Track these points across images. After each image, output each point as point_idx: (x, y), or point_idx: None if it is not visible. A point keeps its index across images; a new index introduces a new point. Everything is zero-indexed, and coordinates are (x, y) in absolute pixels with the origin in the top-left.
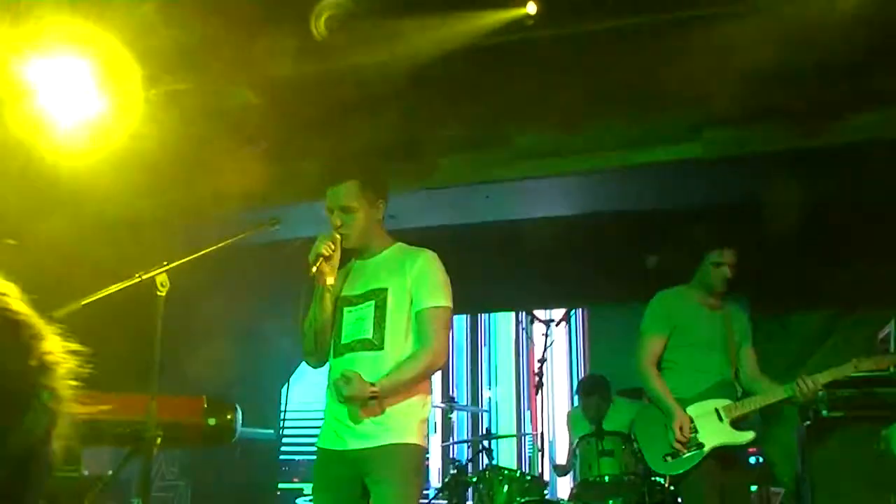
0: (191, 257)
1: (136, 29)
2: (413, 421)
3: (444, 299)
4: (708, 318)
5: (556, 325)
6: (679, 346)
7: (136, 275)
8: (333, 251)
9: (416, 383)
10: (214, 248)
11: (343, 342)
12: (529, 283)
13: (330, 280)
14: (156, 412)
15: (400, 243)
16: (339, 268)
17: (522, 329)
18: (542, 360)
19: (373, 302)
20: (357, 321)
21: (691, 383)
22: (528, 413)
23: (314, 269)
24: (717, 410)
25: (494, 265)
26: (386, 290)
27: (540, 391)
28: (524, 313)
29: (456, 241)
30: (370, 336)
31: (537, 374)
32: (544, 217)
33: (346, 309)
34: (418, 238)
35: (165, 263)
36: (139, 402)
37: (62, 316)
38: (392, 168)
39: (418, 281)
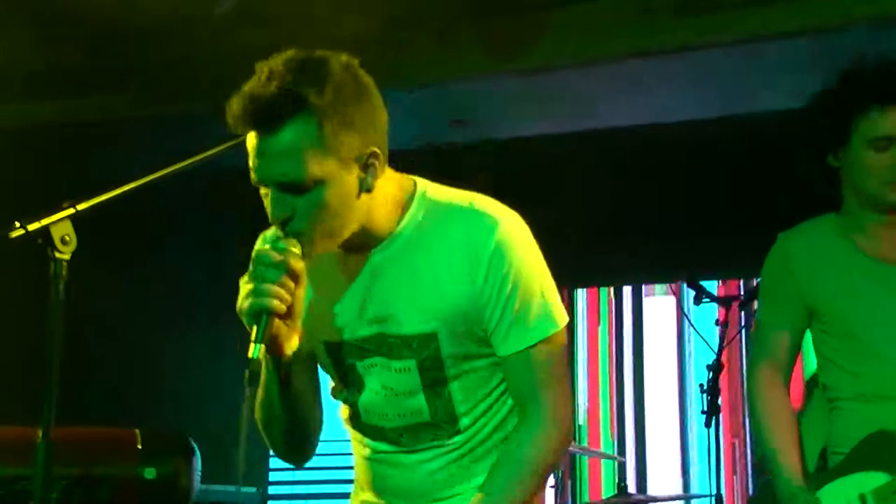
0: (117, 192)
1: None
2: None
3: (552, 318)
4: (883, 279)
5: (742, 305)
6: (832, 340)
7: (17, 225)
8: (291, 291)
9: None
10: (163, 173)
11: (366, 422)
12: (693, 235)
13: (294, 343)
14: (49, 457)
15: (426, 197)
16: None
17: (684, 315)
18: (717, 368)
19: (413, 360)
20: (384, 391)
21: (859, 423)
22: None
23: (256, 349)
24: None
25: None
26: (434, 334)
27: (715, 418)
28: (685, 286)
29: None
30: (427, 418)
31: (708, 388)
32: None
33: (357, 363)
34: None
35: (68, 205)
36: (21, 439)
37: None
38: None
39: (497, 300)
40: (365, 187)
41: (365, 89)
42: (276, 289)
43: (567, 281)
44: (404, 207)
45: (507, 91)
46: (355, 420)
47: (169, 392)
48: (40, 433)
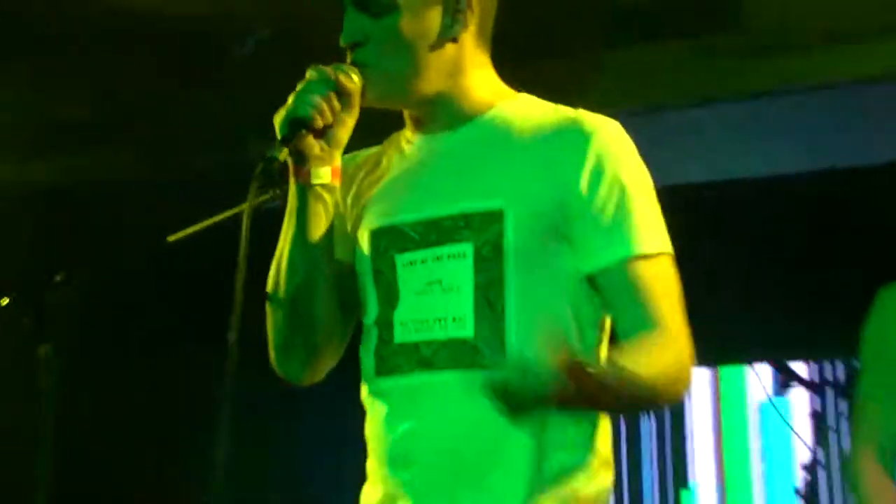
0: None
1: None
2: None
3: (663, 236)
4: None
5: (843, 393)
6: None
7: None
8: (340, 108)
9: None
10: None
11: (400, 341)
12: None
13: (323, 175)
14: None
15: (529, 98)
16: (372, 150)
17: (769, 399)
18: (813, 465)
19: (469, 244)
20: (429, 289)
21: None
22: None
23: (283, 148)
24: None
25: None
26: (500, 212)
27: None
28: (773, 368)
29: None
30: (470, 333)
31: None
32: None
33: (395, 256)
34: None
35: (60, 278)
36: None
37: None
38: None
39: (598, 191)
40: (449, 34)
41: None
42: (317, 99)
43: None
44: (498, 98)
45: None
46: (384, 350)
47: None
48: None
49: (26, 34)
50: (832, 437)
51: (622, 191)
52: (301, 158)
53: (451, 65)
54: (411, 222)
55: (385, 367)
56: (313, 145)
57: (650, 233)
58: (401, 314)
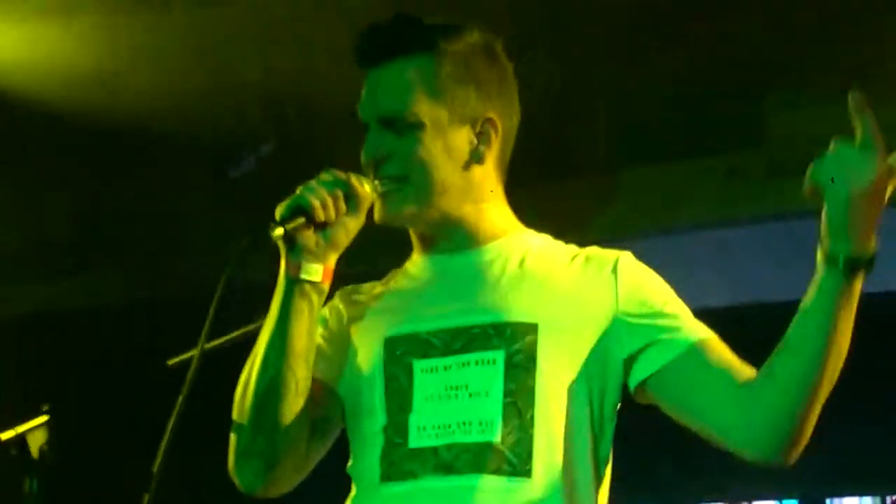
0: None
1: None
2: None
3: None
4: None
5: None
6: None
7: None
8: (346, 210)
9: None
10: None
11: (414, 446)
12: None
13: (314, 272)
14: None
15: (539, 235)
16: (376, 281)
17: None
18: None
19: (501, 351)
20: (452, 394)
21: None
22: None
23: (277, 227)
24: None
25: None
26: (534, 325)
27: None
28: None
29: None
30: (497, 438)
31: None
32: None
33: (414, 362)
34: None
35: (47, 409)
36: None
37: None
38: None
39: (641, 297)
40: (475, 157)
41: (499, 57)
42: (323, 193)
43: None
44: (513, 227)
45: None
46: (395, 454)
47: None
48: None
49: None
50: None
51: (660, 300)
52: (294, 248)
53: (475, 187)
54: (433, 330)
55: (397, 472)
56: (309, 237)
57: (698, 324)
58: (419, 419)
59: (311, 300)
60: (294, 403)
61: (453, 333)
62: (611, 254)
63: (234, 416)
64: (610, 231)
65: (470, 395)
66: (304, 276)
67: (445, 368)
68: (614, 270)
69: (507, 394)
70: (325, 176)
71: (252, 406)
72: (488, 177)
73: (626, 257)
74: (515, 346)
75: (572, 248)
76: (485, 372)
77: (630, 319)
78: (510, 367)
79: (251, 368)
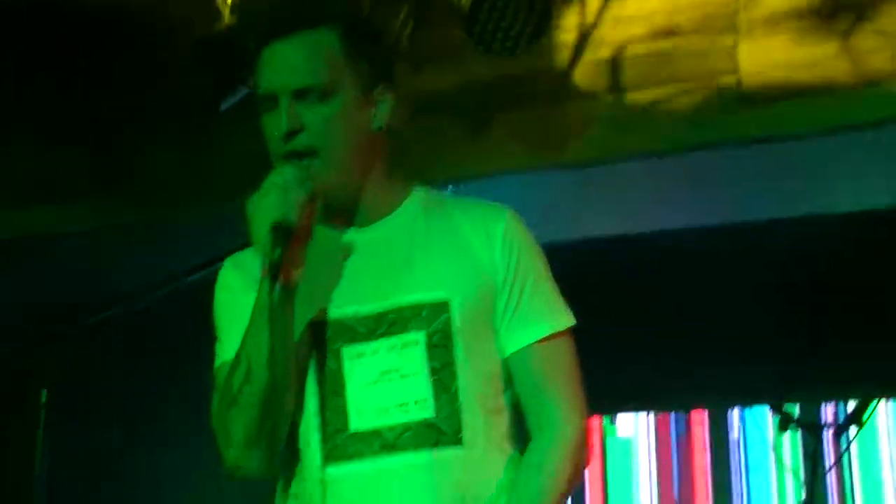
0: None
1: None
2: None
3: (565, 312)
4: None
5: (837, 433)
6: None
7: None
8: (314, 213)
9: None
10: None
11: (356, 429)
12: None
13: (298, 275)
14: None
15: (428, 191)
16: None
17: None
18: None
19: (422, 332)
20: (385, 377)
21: None
22: None
23: (277, 249)
24: None
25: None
26: (445, 303)
27: None
28: (771, 411)
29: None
30: (432, 414)
31: None
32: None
33: (343, 349)
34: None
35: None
36: None
37: None
38: None
39: (510, 282)
40: (377, 123)
41: (391, 27)
42: (302, 203)
43: (624, 404)
44: (405, 192)
45: (551, 189)
46: (338, 438)
47: None
48: None
49: None
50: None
51: (530, 273)
52: (284, 261)
53: (375, 155)
54: (358, 316)
55: (342, 454)
56: (295, 250)
57: (557, 312)
58: (356, 403)
59: (294, 299)
60: (292, 391)
61: (376, 319)
62: (497, 216)
63: (228, 409)
64: (587, 154)
65: (402, 376)
66: (295, 280)
67: (374, 353)
68: (502, 235)
69: (432, 372)
70: (290, 175)
71: (260, 400)
72: (384, 144)
73: (511, 221)
74: (433, 327)
75: (461, 203)
76: (411, 353)
77: (509, 289)
78: (431, 347)
79: (249, 368)
